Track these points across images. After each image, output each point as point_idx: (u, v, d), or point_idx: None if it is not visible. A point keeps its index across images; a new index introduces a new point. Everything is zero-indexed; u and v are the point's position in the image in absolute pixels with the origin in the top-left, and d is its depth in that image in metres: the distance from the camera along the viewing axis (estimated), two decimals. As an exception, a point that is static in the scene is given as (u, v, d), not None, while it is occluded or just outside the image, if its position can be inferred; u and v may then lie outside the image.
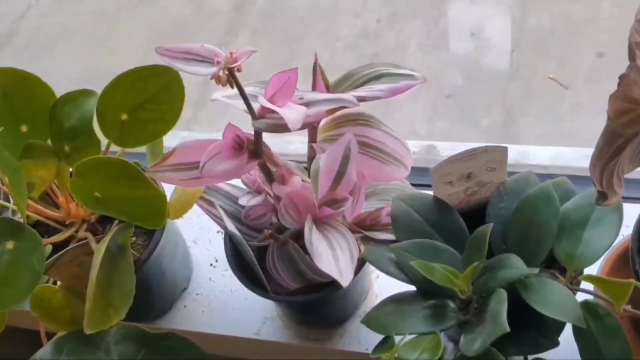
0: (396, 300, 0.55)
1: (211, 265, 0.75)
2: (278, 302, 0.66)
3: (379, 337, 0.68)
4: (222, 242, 0.77)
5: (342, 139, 0.54)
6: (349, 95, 0.49)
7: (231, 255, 0.62)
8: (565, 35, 1.38)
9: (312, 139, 0.59)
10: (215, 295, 0.73)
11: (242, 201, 0.60)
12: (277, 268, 0.58)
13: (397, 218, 0.56)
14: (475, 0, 1.42)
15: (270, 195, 0.62)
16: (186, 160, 0.54)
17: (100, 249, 0.53)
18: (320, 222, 0.55)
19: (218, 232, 0.78)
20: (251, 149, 0.54)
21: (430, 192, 0.58)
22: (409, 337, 0.51)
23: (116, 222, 0.59)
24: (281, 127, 0.49)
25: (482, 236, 0.52)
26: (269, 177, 0.57)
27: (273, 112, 0.50)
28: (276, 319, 0.70)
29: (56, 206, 0.64)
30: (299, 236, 0.59)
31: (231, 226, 0.58)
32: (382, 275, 0.72)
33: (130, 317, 0.59)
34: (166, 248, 0.67)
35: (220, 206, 0.62)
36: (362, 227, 0.58)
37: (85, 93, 0.58)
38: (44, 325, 0.62)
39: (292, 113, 0.47)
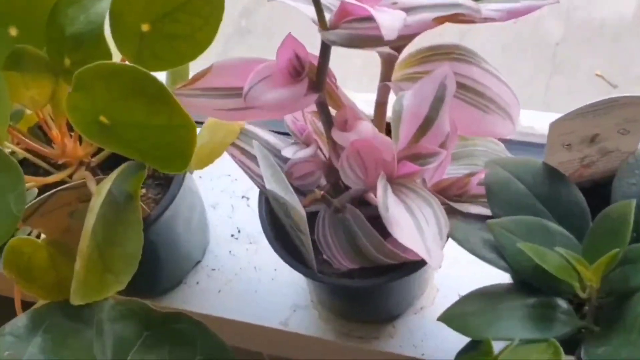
0: (486, 295, 0.41)
1: (232, 236, 0.62)
2: (321, 286, 0.52)
3: (438, 341, 0.55)
4: (246, 209, 0.64)
5: (434, 72, 0.40)
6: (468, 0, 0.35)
7: (268, 221, 0.48)
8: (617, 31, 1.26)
9: (386, 76, 0.45)
10: (236, 273, 0.60)
11: (287, 153, 0.47)
12: (328, 241, 0.44)
13: (494, 187, 0.43)
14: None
15: (321, 150, 0.48)
16: (224, 84, 0.41)
17: (100, 191, 0.40)
18: (395, 184, 0.41)
19: (243, 197, 0.64)
20: (312, 78, 0.40)
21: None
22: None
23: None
24: (366, 40, 0.35)
25: (620, 217, 0.38)
26: (328, 121, 0.43)
27: (355, 19, 0.36)
28: (309, 308, 0.57)
29: (48, 142, 0.51)
30: (359, 202, 0.46)
31: (274, 183, 0.44)
32: (444, 264, 0.59)
33: (128, 290, 0.46)
34: (182, 207, 0.53)
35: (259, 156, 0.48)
36: (445, 196, 0.44)
37: (97, -9, 0.44)
38: (19, 291, 0.48)
39: (386, 17, 0.33)
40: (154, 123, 0.38)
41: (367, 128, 0.42)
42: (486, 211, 0.43)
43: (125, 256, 0.43)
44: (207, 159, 0.48)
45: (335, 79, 0.42)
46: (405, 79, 0.44)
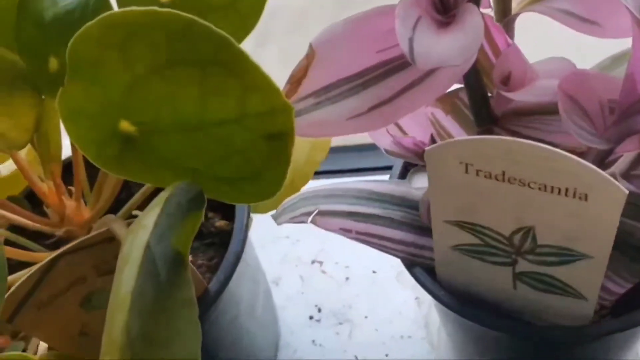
0: None
1: (312, 318, 0.44)
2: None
3: None
4: (322, 278, 0.46)
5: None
6: None
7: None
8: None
9: (504, 10, 0.29)
10: (328, 370, 0.41)
11: (417, 182, 0.30)
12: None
13: None
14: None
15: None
16: (349, 71, 0.24)
17: (134, 243, 0.22)
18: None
19: (313, 262, 0.47)
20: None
21: None
22: None
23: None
24: None
25: None
26: (480, 96, 0.27)
27: None
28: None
29: (39, 207, 0.34)
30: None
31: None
32: None
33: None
34: (244, 280, 0.36)
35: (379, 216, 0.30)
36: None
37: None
38: None
39: None
40: (216, 115, 0.21)
41: (564, 65, 0.26)
42: None
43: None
44: (287, 190, 0.31)
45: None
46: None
